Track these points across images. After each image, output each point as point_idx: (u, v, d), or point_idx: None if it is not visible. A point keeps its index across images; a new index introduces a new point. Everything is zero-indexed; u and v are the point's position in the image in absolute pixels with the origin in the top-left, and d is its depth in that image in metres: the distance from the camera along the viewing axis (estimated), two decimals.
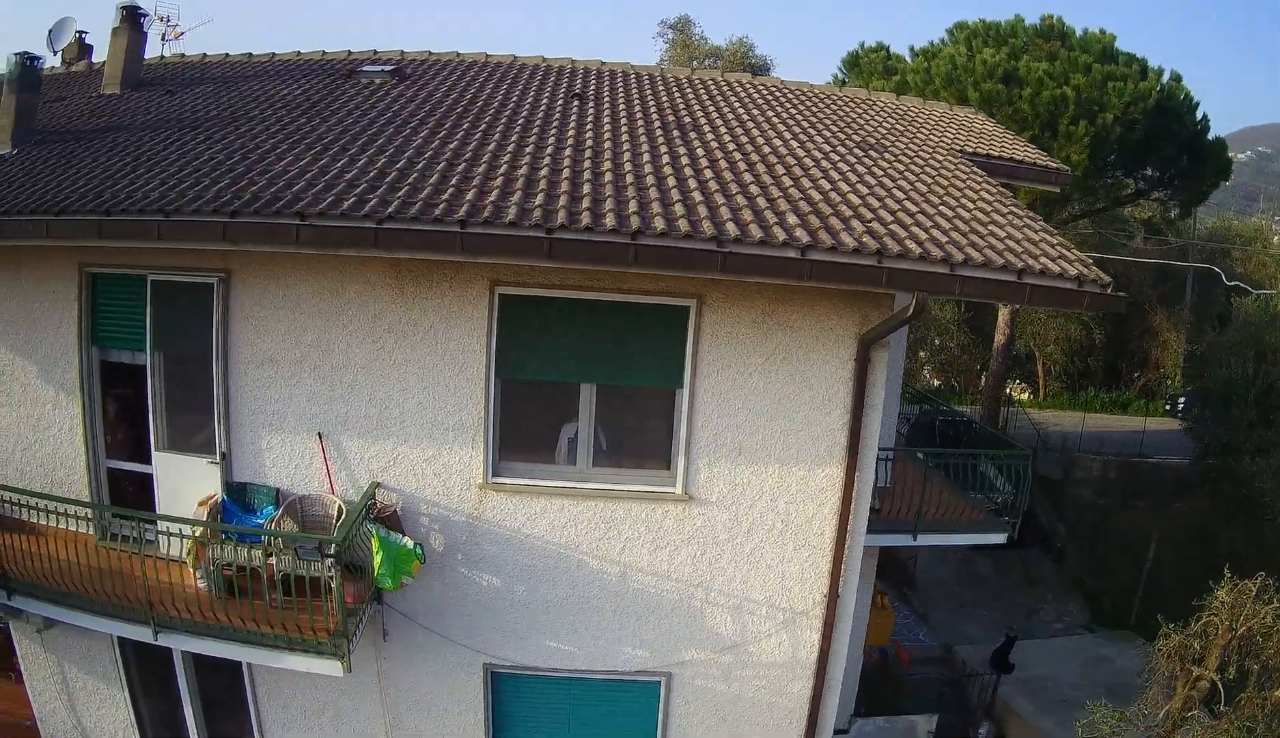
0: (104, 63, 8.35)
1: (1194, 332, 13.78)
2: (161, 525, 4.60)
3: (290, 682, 5.34)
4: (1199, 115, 10.44)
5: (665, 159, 4.83)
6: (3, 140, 5.82)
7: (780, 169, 4.87)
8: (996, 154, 5.93)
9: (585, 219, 3.83)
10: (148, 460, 5.43)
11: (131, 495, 5.61)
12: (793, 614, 4.89)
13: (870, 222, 4.25)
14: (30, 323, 5.45)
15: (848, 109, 6.77)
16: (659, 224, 3.86)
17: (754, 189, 4.48)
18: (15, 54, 5.88)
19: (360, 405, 4.77)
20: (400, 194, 4.10)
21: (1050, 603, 8.67)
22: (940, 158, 5.58)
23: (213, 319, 4.90)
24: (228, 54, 7.78)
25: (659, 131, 5.40)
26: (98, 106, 6.64)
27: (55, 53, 8.19)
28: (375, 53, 7.49)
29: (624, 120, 5.61)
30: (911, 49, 11.61)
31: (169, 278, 4.97)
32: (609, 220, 3.86)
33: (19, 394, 5.63)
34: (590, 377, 4.72)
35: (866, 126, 6.24)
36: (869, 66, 11.59)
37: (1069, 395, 14.96)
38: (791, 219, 4.12)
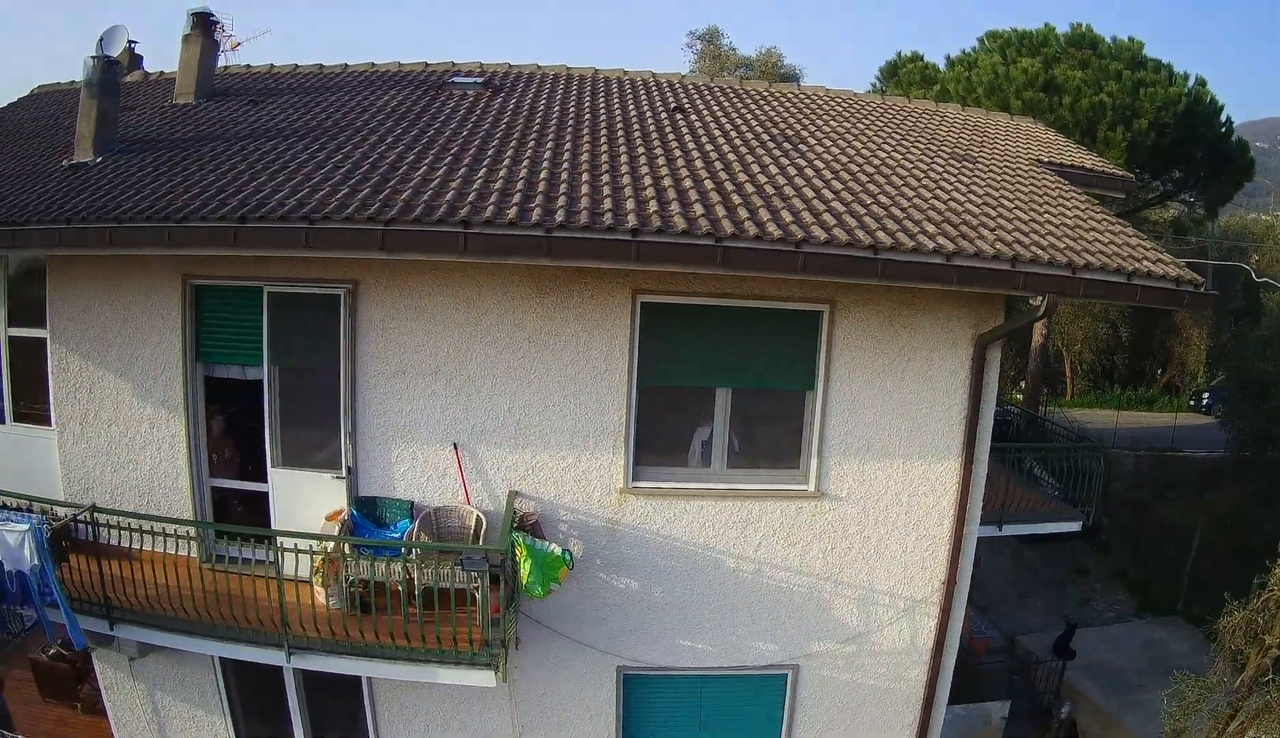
0: (160, 72, 8.28)
1: (1215, 328, 14.91)
2: (288, 543, 4.64)
3: (414, 697, 5.52)
4: (1223, 118, 11.41)
5: (792, 171, 5.21)
6: (85, 148, 5.82)
7: (896, 180, 5.30)
8: (1069, 163, 6.52)
9: (751, 229, 4.17)
10: (256, 478, 5.50)
11: (240, 516, 5.67)
12: (913, 602, 5.33)
13: (995, 230, 4.71)
14: (126, 339, 5.49)
15: (922, 120, 7.30)
16: (819, 233, 4.23)
17: (884, 200, 4.89)
18: (94, 57, 5.86)
19: (499, 415, 4.99)
20: (560, 204, 4.34)
21: (1099, 592, 9.43)
22: (1024, 168, 6.13)
23: (340, 331, 5.03)
24: (297, 65, 7.88)
25: (771, 144, 5.78)
26: (176, 116, 6.64)
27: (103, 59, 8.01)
28: (453, 64, 7.71)
29: (733, 133, 5.98)
30: (947, 58, 12.34)
31: (289, 290, 5.09)
32: (772, 229, 4.21)
33: (110, 414, 5.64)
34: (726, 381, 5.06)
35: (948, 137, 6.76)
36: (907, 76, 12.26)
37: (1095, 394, 15.96)
38: (930, 228, 4.55)
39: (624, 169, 4.98)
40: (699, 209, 4.39)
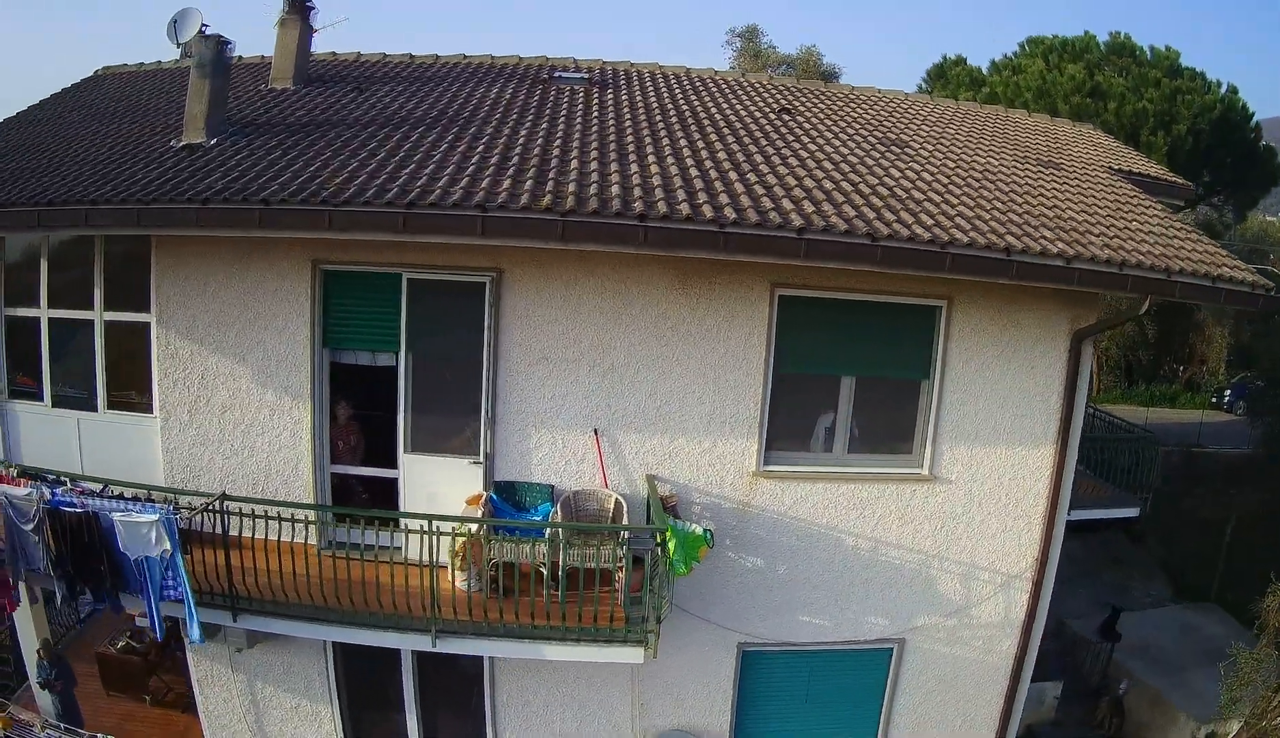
0: (238, 56, 8.43)
1: (1236, 327, 16.37)
2: (426, 526, 4.89)
3: (534, 679, 5.96)
4: (1253, 123, 12.63)
5: (912, 175, 5.88)
6: (196, 129, 6.04)
7: (1002, 186, 6.04)
8: (1135, 170, 7.38)
9: (903, 231, 4.80)
10: (382, 464, 5.80)
11: (365, 503, 5.97)
12: (1008, 578, 6.05)
13: (1099, 235, 5.45)
14: (246, 324, 5.75)
15: (998, 125, 8.12)
16: (960, 236, 4.90)
17: (999, 205, 5.60)
18: (206, 36, 6.01)
19: (640, 401, 5.48)
20: (724, 201, 4.87)
21: (1136, 580, 10.47)
22: (1102, 175, 6.94)
23: (483, 319, 5.40)
24: (385, 54, 8.19)
25: (881, 148, 6.44)
26: (278, 100, 6.92)
27: (178, 46, 8.11)
28: (546, 59, 8.21)
29: (842, 136, 6.64)
30: (992, 62, 13.29)
31: (430, 277, 5.44)
32: (920, 231, 4.85)
33: (224, 400, 5.89)
34: (850, 370, 5.69)
35: (1027, 143, 7.55)
36: (955, 79, 13.14)
37: (1120, 390, 17.20)
38: (1047, 234, 5.26)
39: (762, 168, 5.53)
40: (849, 210, 4.97)
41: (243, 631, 5.90)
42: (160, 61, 8.77)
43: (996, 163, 6.60)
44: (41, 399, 6.63)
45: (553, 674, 5.97)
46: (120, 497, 5.40)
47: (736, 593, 5.82)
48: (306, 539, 5.43)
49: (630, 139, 5.90)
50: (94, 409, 6.43)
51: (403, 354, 5.57)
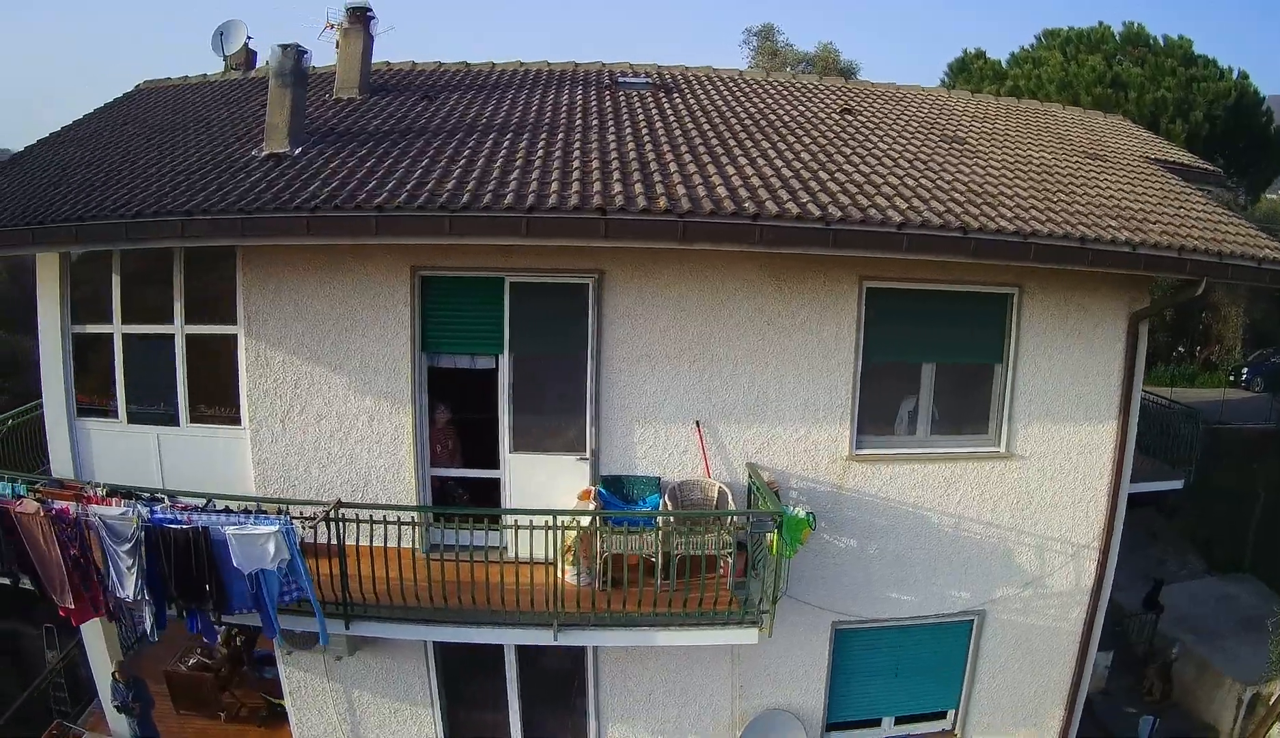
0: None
1: (1250, 306, 17.54)
2: (536, 521, 5.27)
3: (639, 668, 6.45)
4: (1264, 108, 13.64)
5: (980, 171, 6.48)
6: (279, 138, 6.37)
7: (1060, 179, 6.78)
8: (1171, 159, 8.13)
9: (990, 224, 5.42)
10: (483, 466, 6.20)
11: (463, 504, 6.35)
12: (1078, 548, 6.74)
13: (1155, 223, 6.13)
14: (342, 332, 6.13)
15: (1039, 119, 8.94)
16: (1039, 227, 5.50)
17: (1063, 198, 6.30)
18: (284, 46, 6.35)
19: (738, 394, 6.01)
20: (825, 200, 5.42)
21: (1172, 554, 11.35)
22: (1142, 165, 7.68)
23: (586, 319, 5.87)
24: (440, 62, 8.61)
25: (943, 146, 7.09)
26: (349, 109, 7.30)
27: (223, 57, 8.35)
28: (603, 65, 8.74)
29: (903, 135, 7.30)
30: (1012, 55, 14.13)
31: (532, 280, 5.88)
32: (1004, 224, 5.50)
33: (319, 408, 6.24)
34: (930, 356, 6.32)
35: (1070, 136, 8.32)
36: (978, 72, 13.93)
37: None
38: (1111, 223, 5.95)
39: (845, 167, 6.14)
40: (938, 206, 5.57)
41: (344, 637, 6.23)
42: (205, 75, 9.00)
43: (1049, 157, 7.28)
44: (116, 416, 6.87)
45: (655, 663, 6.45)
46: (227, 511, 5.66)
47: (831, 573, 6.36)
48: (414, 543, 5.82)
49: (715, 142, 6.43)
50: (175, 424, 6.70)
51: (506, 356, 5.99)
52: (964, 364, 6.47)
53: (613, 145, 6.20)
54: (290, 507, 5.65)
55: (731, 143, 6.45)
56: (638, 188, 5.40)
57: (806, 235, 5.17)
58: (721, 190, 5.41)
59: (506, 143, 6.27)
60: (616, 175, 5.59)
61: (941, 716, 7.18)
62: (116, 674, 7.33)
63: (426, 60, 9.09)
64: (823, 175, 5.90)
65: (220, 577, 5.51)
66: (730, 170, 5.82)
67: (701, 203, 5.17)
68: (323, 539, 5.44)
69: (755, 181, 5.65)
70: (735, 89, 8.28)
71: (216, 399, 6.69)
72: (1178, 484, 8.48)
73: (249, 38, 8.80)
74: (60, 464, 7.02)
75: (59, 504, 5.86)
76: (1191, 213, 6.71)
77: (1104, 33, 13.47)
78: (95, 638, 7.52)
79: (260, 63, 9.03)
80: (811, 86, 8.75)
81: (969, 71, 14.48)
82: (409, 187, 5.47)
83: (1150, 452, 8.69)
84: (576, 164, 5.81)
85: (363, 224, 5.23)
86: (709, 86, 8.24)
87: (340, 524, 5.36)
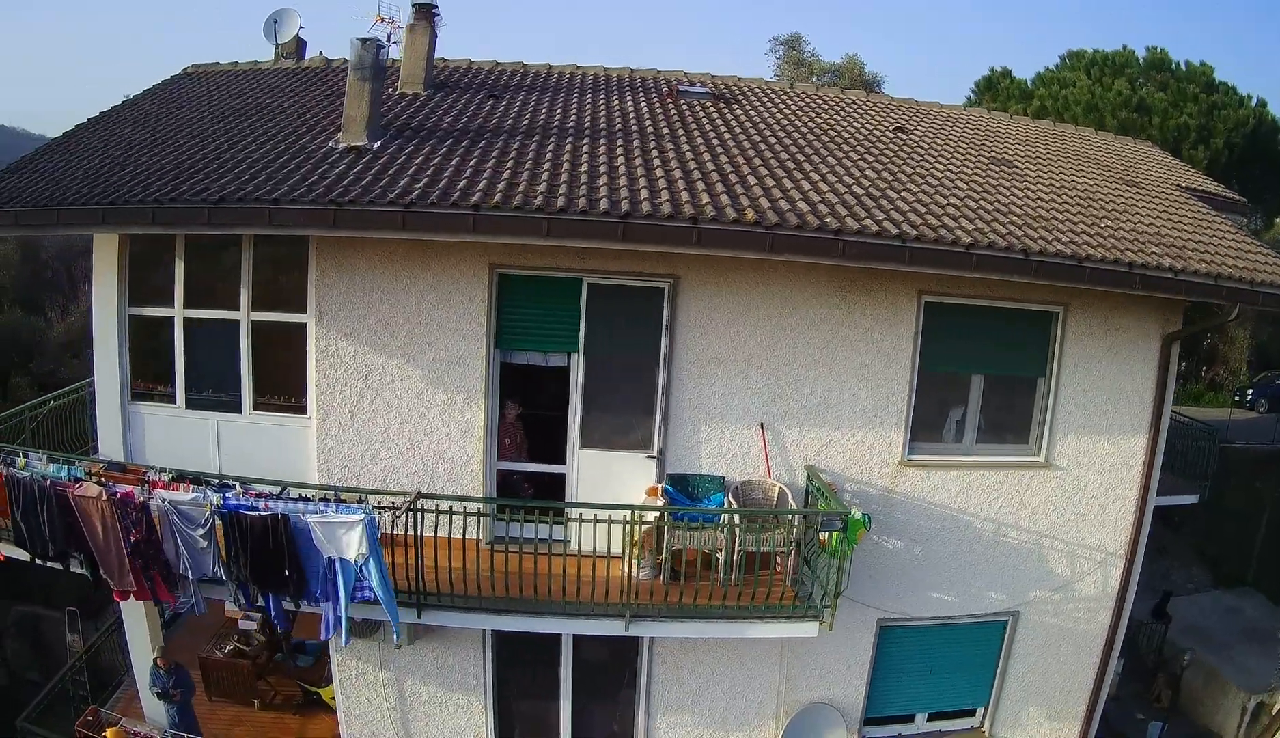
0: (343, 59, 9.06)
1: (1256, 328, 18.67)
2: (602, 516, 5.79)
3: (690, 659, 7.02)
4: None
5: (1031, 195, 7.20)
6: (357, 131, 6.81)
7: (1105, 205, 7.51)
8: (1199, 188, 8.92)
9: (1051, 248, 6.06)
10: (547, 460, 6.70)
11: (530, 497, 6.80)
12: (1106, 555, 7.47)
13: (1194, 250, 6.86)
14: (416, 325, 6.61)
15: (1075, 143, 9.69)
16: (1091, 252, 6.16)
17: (1108, 224, 6.98)
18: (364, 40, 6.76)
19: (801, 398, 6.61)
20: (899, 219, 5.99)
21: (1178, 567, 12.25)
22: (1175, 193, 8.45)
23: (660, 322, 6.41)
24: (497, 61, 9.03)
25: (992, 168, 7.74)
26: (418, 105, 7.81)
27: (275, 45, 8.66)
28: (658, 72, 9.37)
29: (955, 155, 7.91)
30: (1037, 76, 14.96)
31: (610, 282, 6.41)
32: (1060, 247, 6.18)
33: (390, 400, 6.68)
34: (981, 368, 6.98)
35: (1105, 161, 9.07)
36: (1005, 91, 14.74)
37: None
38: (1155, 249, 6.64)
39: (910, 186, 6.79)
40: (1000, 228, 6.24)
41: (406, 626, 6.67)
42: (256, 61, 9.32)
43: (1091, 183, 8.01)
44: (174, 401, 7.20)
45: (707, 656, 7.01)
46: (304, 498, 6.05)
47: (879, 573, 6.99)
48: (479, 535, 6.29)
49: (785, 156, 7.05)
50: (236, 411, 7.06)
51: (580, 355, 6.48)
52: (1010, 377, 7.15)
53: (689, 155, 6.75)
54: (367, 496, 6.11)
55: (800, 158, 7.04)
56: (724, 199, 5.95)
57: (883, 252, 5.78)
58: (802, 205, 5.99)
59: (586, 147, 6.78)
60: (701, 186, 6.14)
61: (971, 713, 7.88)
62: (158, 660, 7.65)
63: (453, 56, 9.50)
64: (891, 194, 6.52)
65: (300, 564, 5.92)
66: (805, 185, 6.40)
67: (787, 217, 5.74)
68: (398, 529, 5.90)
69: (831, 197, 6.24)
70: (790, 102, 8.92)
71: (280, 387, 7.08)
72: (1193, 499, 9.32)
73: (300, 27, 9.15)
74: (109, 447, 7.34)
75: (122, 488, 6.23)
76: (1224, 241, 7.47)
77: (1127, 57, 14.40)
78: (136, 623, 7.83)
79: (310, 53, 9.40)
80: (860, 102, 9.41)
81: (996, 90, 15.36)
82: (501, 187, 5.94)
83: (1167, 466, 9.51)
84: (660, 172, 6.34)
85: (460, 221, 5.68)
86: (764, 98, 8.88)
87: (420, 515, 5.81)
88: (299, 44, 9.34)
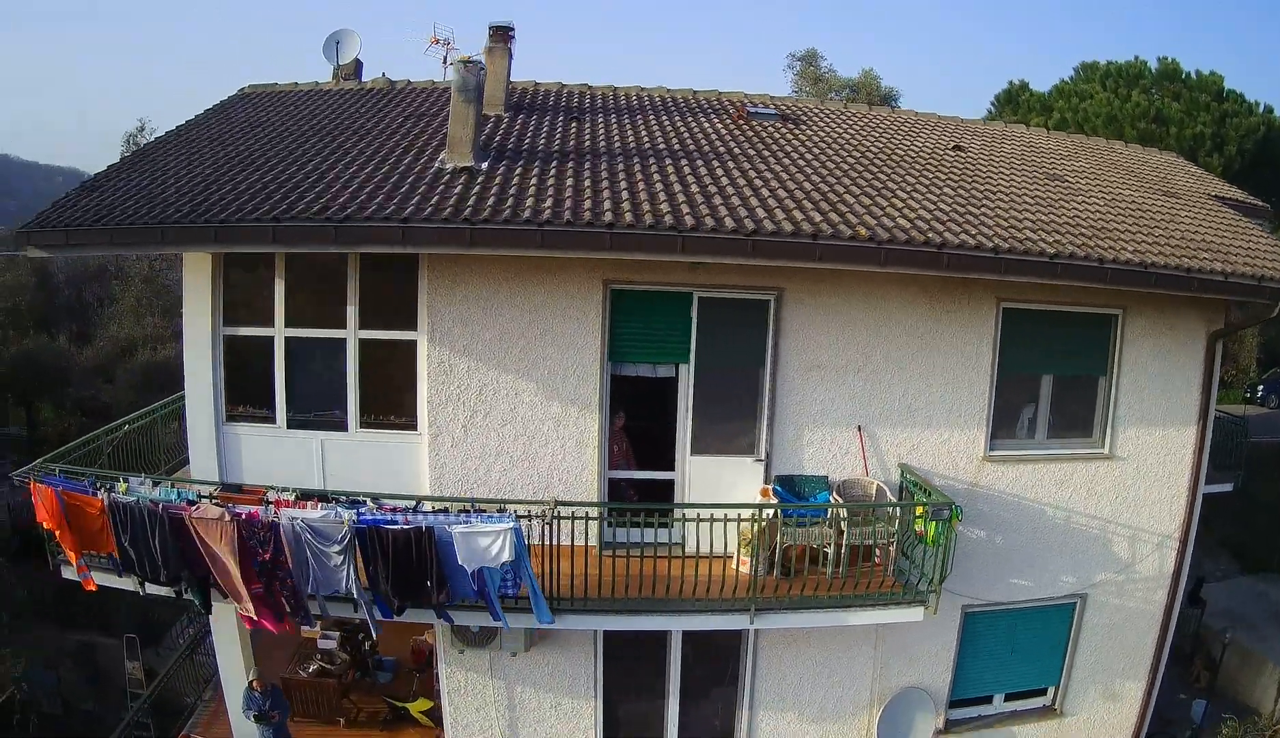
0: (406, 80, 9.86)
1: (1266, 326, 20.68)
2: (717, 514, 6.77)
3: (792, 651, 8.08)
4: None
5: (1087, 209, 8.47)
6: (463, 152, 7.70)
7: (1154, 215, 8.87)
8: (1226, 195, 10.39)
9: (1119, 257, 7.26)
10: (655, 467, 7.65)
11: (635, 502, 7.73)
12: (1163, 537, 8.79)
13: (1235, 255, 8.21)
14: (531, 340, 7.55)
15: (1111, 156, 11.11)
16: (1156, 259, 7.46)
17: (1160, 232, 8.31)
18: (466, 62, 7.62)
19: (894, 401, 7.73)
20: (991, 232, 7.15)
21: (1205, 555, 13.79)
22: (1207, 201, 9.86)
23: (766, 332, 7.44)
24: (562, 83, 9.94)
25: (1047, 181, 8.99)
26: (505, 127, 8.81)
27: (336, 65, 9.38)
28: (719, 93, 10.52)
29: (1015, 172, 9.13)
30: (1055, 88, 16.55)
31: (719, 295, 7.42)
32: (1127, 256, 7.40)
33: (505, 414, 7.60)
34: (1049, 368, 8.23)
35: (1140, 172, 10.50)
36: (1025, 104, 16.26)
37: None
38: (1204, 255, 7.95)
39: (987, 203, 7.99)
40: (1072, 240, 7.44)
41: (522, 634, 7.56)
42: (317, 82, 10.04)
43: (1135, 195, 9.38)
44: (273, 421, 7.89)
45: (808, 648, 8.05)
46: (445, 511, 6.83)
47: (964, 561, 8.12)
48: (595, 540, 7.18)
49: (868, 174, 8.18)
50: (343, 429, 7.80)
51: (691, 366, 7.45)
52: (1076, 376, 8.40)
53: (784, 175, 7.83)
54: (506, 506, 6.87)
55: (882, 177, 8.18)
56: (833, 216, 7.03)
57: (981, 263, 6.93)
58: (903, 221, 7.11)
59: (685, 166, 7.78)
60: (809, 204, 7.21)
61: (1043, 692, 9.11)
62: (254, 683, 8.31)
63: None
64: (973, 210, 7.69)
65: (442, 573, 6.70)
66: (898, 203, 7.53)
67: (895, 233, 6.85)
68: (530, 538, 6.75)
69: (924, 214, 7.38)
70: (850, 122, 10.19)
71: (387, 404, 7.85)
72: (1228, 487, 10.78)
73: (360, 49, 9.91)
74: (202, 469, 7.99)
75: (245, 509, 6.92)
76: (1258, 244, 8.89)
77: (1140, 68, 16.12)
78: (228, 645, 8.47)
79: (367, 75, 10.18)
80: (913, 121, 10.72)
81: (1016, 103, 16.96)
82: (626, 206, 6.89)
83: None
84: (765, 191, 7.38)
85: (596, 239, 6.59)
86: (827, 119, 10.13)
87: (557, 522, 6.68)
88: (357, 65, 10.08)
